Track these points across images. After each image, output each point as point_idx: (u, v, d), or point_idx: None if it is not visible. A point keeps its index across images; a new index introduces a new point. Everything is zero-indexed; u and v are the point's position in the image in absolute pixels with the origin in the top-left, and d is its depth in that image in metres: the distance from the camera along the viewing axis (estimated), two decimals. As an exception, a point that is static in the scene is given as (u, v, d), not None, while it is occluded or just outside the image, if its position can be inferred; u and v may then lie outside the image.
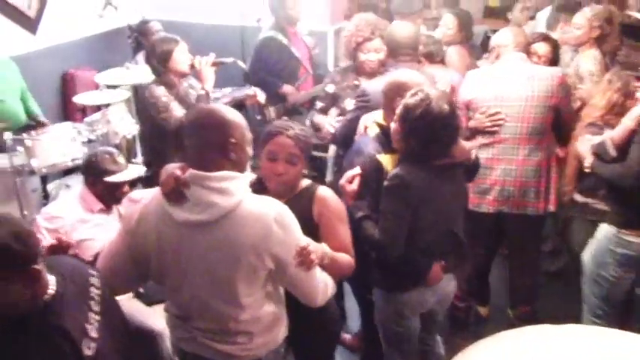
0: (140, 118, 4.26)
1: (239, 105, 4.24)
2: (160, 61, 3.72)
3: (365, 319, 3.38)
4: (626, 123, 2.93)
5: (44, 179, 4.35)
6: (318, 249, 2.21)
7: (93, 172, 3.31)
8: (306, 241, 2.13)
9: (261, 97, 4.04)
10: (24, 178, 3.98)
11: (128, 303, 3.12)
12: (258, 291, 2.10)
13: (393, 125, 2.61)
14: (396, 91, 2.74)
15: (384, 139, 2.77)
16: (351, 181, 2.65)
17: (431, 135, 2.49)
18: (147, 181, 4.38)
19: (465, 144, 2.77)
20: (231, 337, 2.13)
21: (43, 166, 3.98)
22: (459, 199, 2.79)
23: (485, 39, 6.27)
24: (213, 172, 2.01)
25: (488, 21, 7.31)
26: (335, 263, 2.31)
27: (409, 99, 2.53)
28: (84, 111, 5.57)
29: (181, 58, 3.71)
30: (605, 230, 3.10)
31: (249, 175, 2.48)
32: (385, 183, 2.56)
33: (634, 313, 3.38)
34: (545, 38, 4.01)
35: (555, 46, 4.02)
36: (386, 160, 2.70)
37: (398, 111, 2.56)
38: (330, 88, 3.92)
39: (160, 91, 3.66)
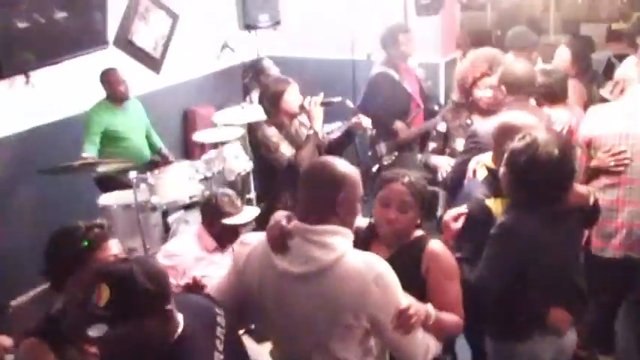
0: (253, 154, 4.37)
1: (348, 137, 4.21)
2: (271, 102, 3.81)
3: None
4: None
5: (164, 213, 4.56)
6: (421, 310, 2.10)
7: (211, 213, 3.44)
8: (407, 302, 2.04)
9: (366, 122, 3.98)
10: (146, 214, 4.20)
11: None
12: (354, 347, 2.05)
13: (501, 170, 2.52)
14: (506, 134, 2.64)
15: (494, 182, 2.66)
16: (455, 219, 2.58)
17: (539, 182, 2.37)
18: (259, 217, 4.49)
19: (582, 189, 2.62)
20: None
21: (164, 203, 4.18)
22: (574, 245, 2.66)
23: (609, 65, 5.96)
24: (316, 226, 2.01)
25: (613, 45, 6.95)
26: (440, 324, 2.19)
27: (515, 144, 2.43)
28: (202, 146, 5.83)
29: (292, 99, 3.77)
30: None
31: (363, 220, 2.48)
32: (492, 231, 2.46)
33: None
34: None
35: None
36: (495, 205, 2.61)
37: (505, 156, 2.47)
38: (442, 127, 3.83)
39: (271, 132, 3.73)
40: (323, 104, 3.78)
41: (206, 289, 2.20)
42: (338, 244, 2.00)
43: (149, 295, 1.72)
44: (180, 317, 1.85)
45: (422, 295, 2.25)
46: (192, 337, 1.83)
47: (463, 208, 2.60)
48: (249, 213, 3.51)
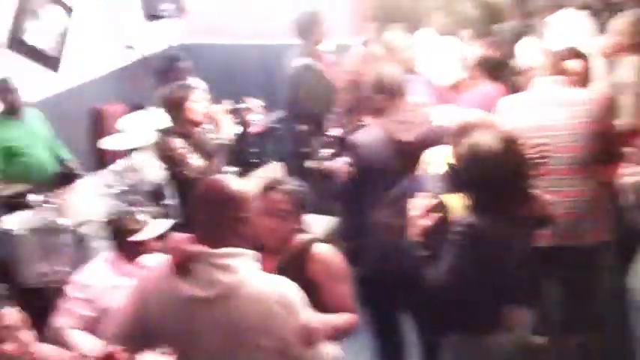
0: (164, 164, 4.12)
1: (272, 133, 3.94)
2: (174, 112, 3.57)
3: None
4: None
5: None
6: (321, 323, 2.18)
7: (116, 234, 3.22)
8: (310, 317, 2.09)
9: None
10: (55, 236, 3.90)
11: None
12: None
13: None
14: (462, 132, 2.59)
15: (452, 177, 2.62)
16: (424, 216, 2.50)
17: (481, 181, 2.35)
18: (180, 228, 4.27)
19: (548, 199, 2.61)
20: None
21: (72, 224, 3.90)
22: (529, 245, 2.63)
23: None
24: (217, 249, 1.98)
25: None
26: (338, 329, 2.31)
27: (459, 146, 2.42)
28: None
29: (195, 107, 3.53)
30: None
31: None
32: (456, 229, 2.41)
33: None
34: (577, 54, 3.67)
35: (587, 60, 3.71)
36: (451, 200, 2.56)
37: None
38: (336, 132, 3.66)
39: (176, 144, 3.50)
40: (229, 112, 3.56)
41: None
42: (240, 266, 2.00)
43: None
44: None
45: (313, 301, 2.26)
46: None
47: (431, 201, 2.52)
48: (157, 226, 3.30)
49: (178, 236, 2.12)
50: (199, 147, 3.58)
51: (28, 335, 1.87)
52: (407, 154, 3.09)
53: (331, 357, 2.23)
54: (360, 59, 3.61)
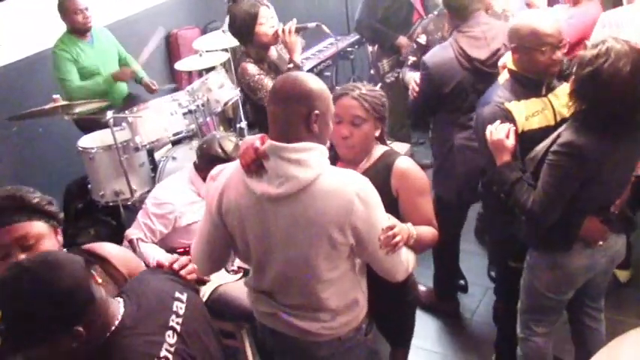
0: (239, 85, 4.04)
1: (343, 57, 3.86)
2: (242, 36, 3.41)
3: (502, 287, 3.19)
4: None
5: (151, 150, 4.28)
6: (404, 230, 2.08)
7: (211, 159, 3.04)
8: (391, 221, 2.02)
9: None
10: (130, 154, 3.93)
11: (235, 285, 3.05)
12: (340, 266, 2.05)
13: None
14: (532, 39, 2.47)
15: (515, 84, 2.56)
16: (507, 136, 2.43)
17: (600, 100, 2.18)
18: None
19: None
20: (314, 313, 2.10)
21: (146, 142, 3.90)
22: (635, 160, 2.47)
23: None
24: (292, 144, 1.92)
25: None
26: (420, 241, 2.19)
27: (585, 52, 2.22)
28: (190, 73, 5.51)
29: (263, 29, 3.33)
30: None
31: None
32: (554, 149, 2.29)
33: None
34: None
35: None
36: (516, 108, 2.49)
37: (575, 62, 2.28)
38: (422, 39, 3.56)
39: (252, 69, 3.35)
40: (298, 30, 3.36)
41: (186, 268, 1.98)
42: (316, 160, 1.95)
43: (51, 321, 1.46)
44: (119, 305, 1.64)
45: (394, 215, 2.20)
46: (132, 329, 1.61)
47: (508, 125, 2.45)
48: None
49: (250, 138, 2.05)
50: (275, 68, 3.44)
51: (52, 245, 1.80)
52: (480, 72, 2.95)
53: (412, 267, 2.16)
54: None
